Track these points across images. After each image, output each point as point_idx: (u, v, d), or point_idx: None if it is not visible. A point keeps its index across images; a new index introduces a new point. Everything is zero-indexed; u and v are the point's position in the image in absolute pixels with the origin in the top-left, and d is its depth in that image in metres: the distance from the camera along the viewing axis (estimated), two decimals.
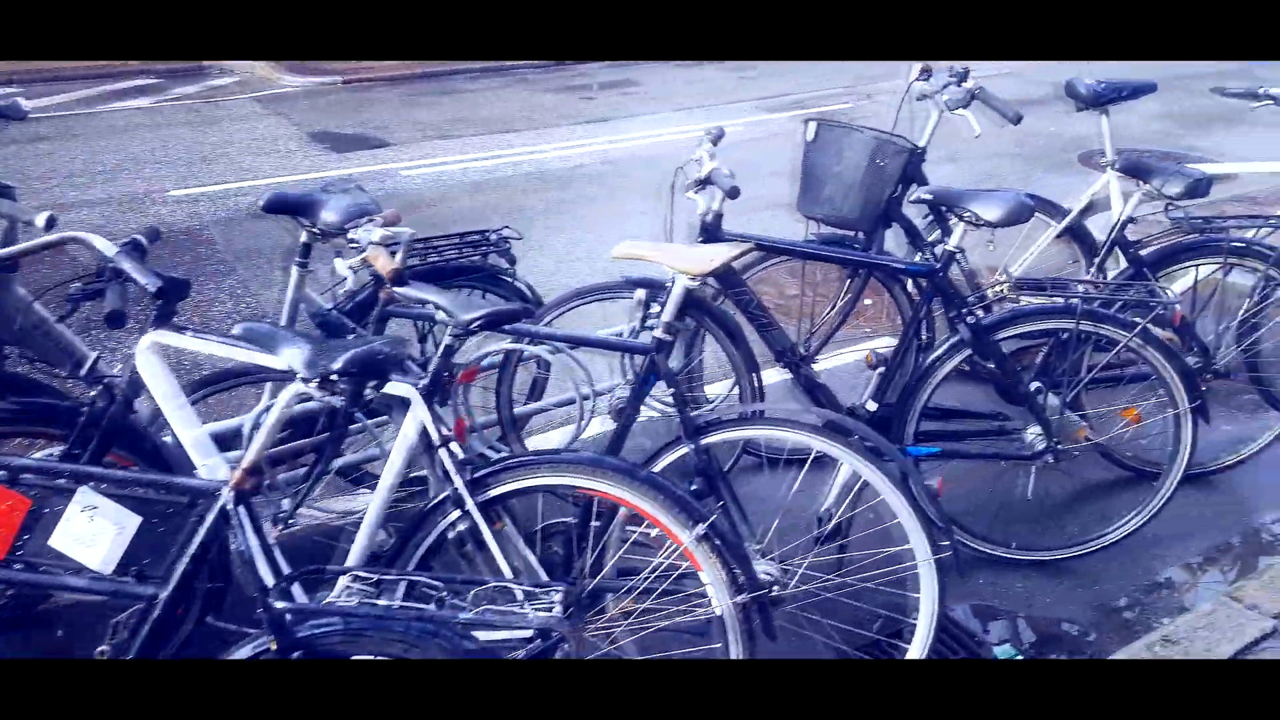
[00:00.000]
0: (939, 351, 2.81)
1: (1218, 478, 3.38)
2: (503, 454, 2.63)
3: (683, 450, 2.27)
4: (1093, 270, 3.25)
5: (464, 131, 8.11)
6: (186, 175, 6.88)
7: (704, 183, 2.57)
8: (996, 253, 4.04)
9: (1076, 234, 3.78)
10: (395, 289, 2.06)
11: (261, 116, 8.66)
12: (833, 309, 3.27)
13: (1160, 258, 3.17)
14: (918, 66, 3.20)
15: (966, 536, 2.93)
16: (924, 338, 3.24)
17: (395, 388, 2.04)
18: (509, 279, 3.12)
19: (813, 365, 3.27)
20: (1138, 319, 2.66)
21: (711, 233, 2.78)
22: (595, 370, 2.84)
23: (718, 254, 2.21)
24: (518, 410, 3.18)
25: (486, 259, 3.06)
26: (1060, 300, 2.69)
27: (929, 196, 2.70)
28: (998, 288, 2.69)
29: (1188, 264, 3.19)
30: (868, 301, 3.93)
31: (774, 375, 3.35)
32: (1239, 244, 3.15)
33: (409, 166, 7.13)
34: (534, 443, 3.48)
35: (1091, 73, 3.78)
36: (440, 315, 2.02)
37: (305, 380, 1.66)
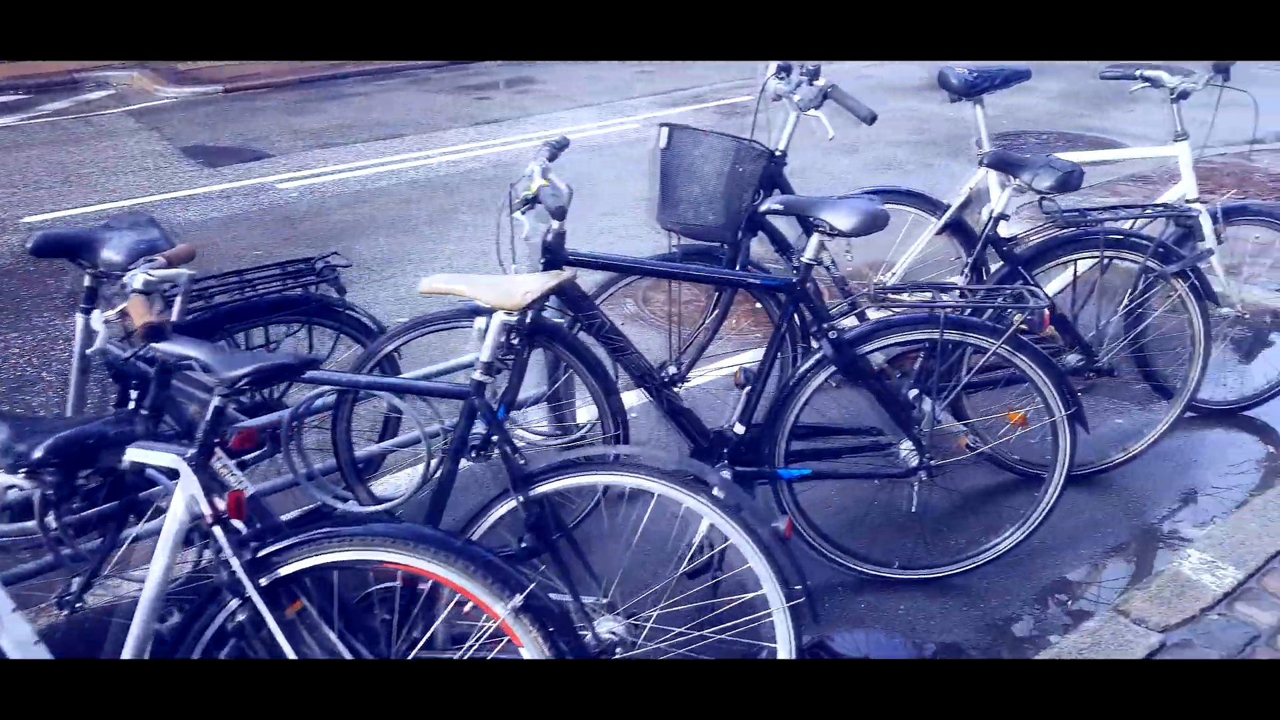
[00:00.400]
0: (803, 369, 2.63)
1: (1110, 476, 3.26)
2: (289, 536, 2.35)
3: (510, 504, 2.04)
4: (966, 270, 3.09)
5: (349, 138, 7.74)
6: (45, 199, 6.42)
7: (532, 201, 2.33)
8: (882, 251, 3.91)
9: (958, 229, 3.64)
10: (153, 345, 1.78)
11: (133, 131, 8.17)
12: (701, 326, 3.06)
13: (1036, 254, 3.02)
14: (773, 65, 3.01)
15: (845, 557, 2.76)
16: (797, 351, 3.06)
17: (159, 458, 1.77)
18: (340, 310, 2.85)
19: (683, 385, 3.08)
20: (1008, 324, 2.51)
21: (553, 255, 2.54)
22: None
23: (532, 286, 1.98)
24: (361, 452, 2.92)
25: (313, 290, 2.79)
26: (924, 310, 2.52)
27: (778, 206, 2.50)
28: (862, 299, 2.52)
29: (1064, 259, 3.05)
30: (758, 306, 3.75)
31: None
32: (1115, 236, 3.02)
33: (286, 179, 6.76)
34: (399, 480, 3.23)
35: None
36: (204, 374, 1.76)
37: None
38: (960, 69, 3.49)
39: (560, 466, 2.04)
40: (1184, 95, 3.45)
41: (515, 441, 2.08)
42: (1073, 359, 3.14)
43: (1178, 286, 3.08)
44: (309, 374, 2.11)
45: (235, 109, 8.88)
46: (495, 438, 2.03)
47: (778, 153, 2.93)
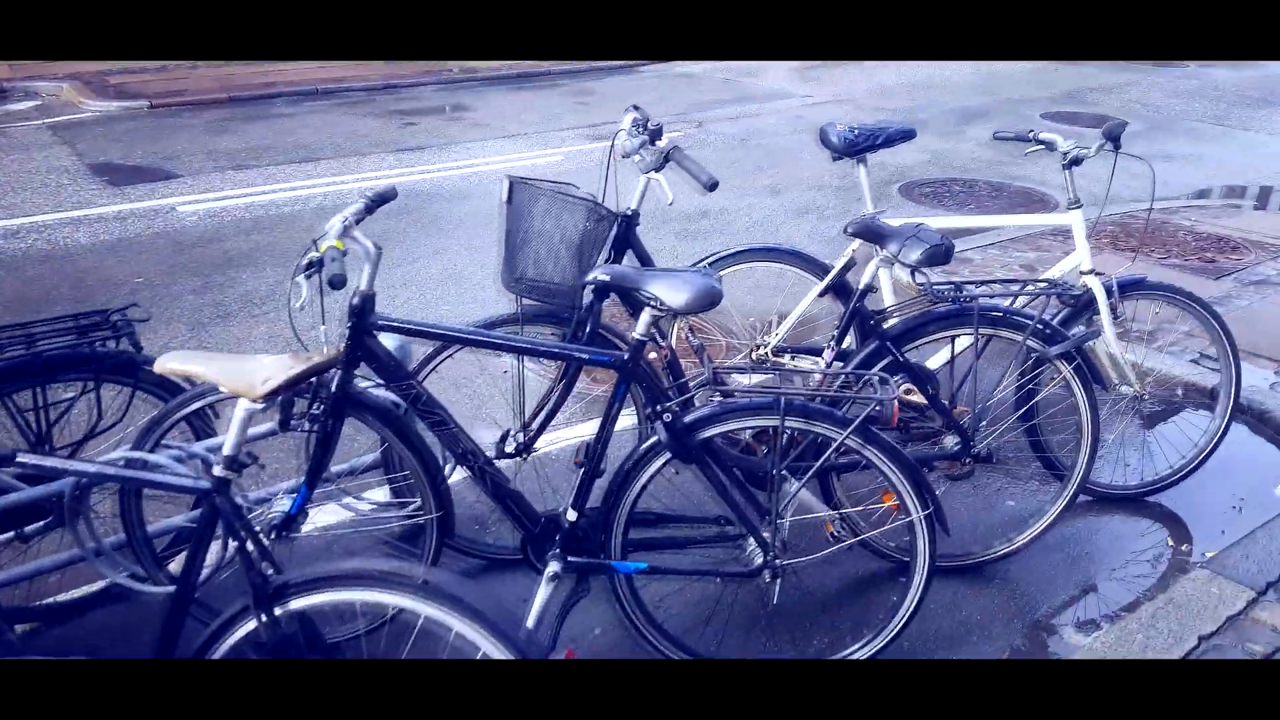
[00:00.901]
0: (639, 452, 2.39)
1: (996, 568, 3.05)
2: None
3: (250, 624, 1.77)
4: (831, 344, 2.88)
5: (263, 161, 7.44)
6: None
7: (318, 265, 2.08)
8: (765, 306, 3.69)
9: (841, 292, 3.43)
10: None
11: (47, 145, 7.82)
12: (547, 397, 2.81)
13: (905, 330, 2.81)
14: (628, 118, 2.78)
15: (685, 658, 2.52)
16: (645, 429, 2.83)
17: None
18: (137, 366, 2.57)
19: (527, 456, 2.83)
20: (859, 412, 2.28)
21: (359, 320, 2.29)
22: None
23: (274, 373, 1.72)
24: (156, 527, 2.64)
25: (102, 345, 2.52)
26: (767, 395, 2.29)
27: (605, 278, 2.26)
28: (705, 382, 2.29)
29: (937, 335, 2.85)
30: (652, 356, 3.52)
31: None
32: (993, 313, 2.82)
33: (189, 202, 6.45)
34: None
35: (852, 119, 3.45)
36: None
37: None
38: (841, 127, 3.30)
39: (315, 581, 1.77)
40: (1076, 162, 3.27)
41: (265, 543, 1.81)
42: (950, 442, 2.93)
43: (1062, 369, 2.89)
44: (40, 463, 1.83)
45: (157, 125, 8.56)
46: (237, 542, 1.76)
47: (625, 214, 2.69)
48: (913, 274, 2.76)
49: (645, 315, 2.27)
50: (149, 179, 6.94)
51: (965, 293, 2.77)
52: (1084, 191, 3.42)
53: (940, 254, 2.66)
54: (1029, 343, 2.85)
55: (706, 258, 3.47)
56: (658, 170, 2.52)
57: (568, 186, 2.66)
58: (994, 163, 7.97)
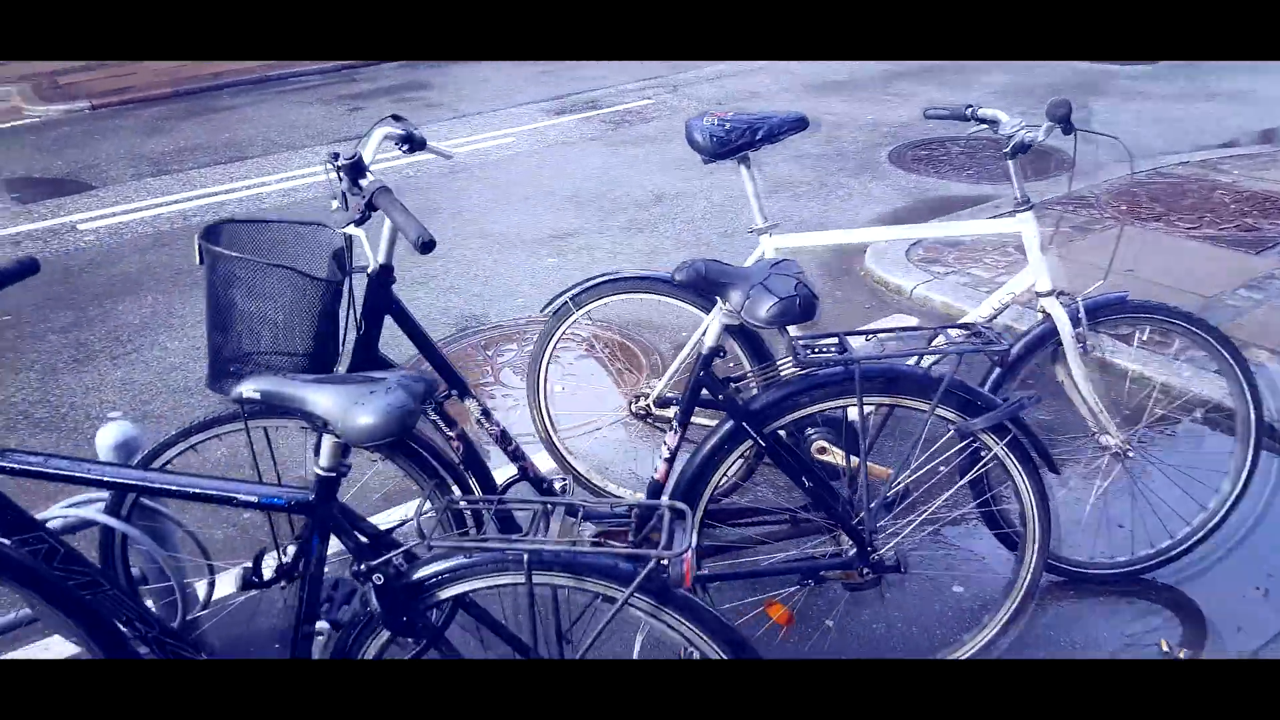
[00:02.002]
0: (355, 630, 1.71)
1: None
2: None
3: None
4: (674, 427, 2.13)
5: (187, 163, 6.84)
6: None
7: None
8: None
9: (742, 332, 2.70)
10: None
11: None
12: None
13: (770, 405, 2.06)
14: (375, 135, 2.03)
15: None
16: None
17: None
18: None
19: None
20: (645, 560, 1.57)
21: None
22: None
23: None
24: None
25: None
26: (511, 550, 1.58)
27: (255, 395, 1.56)
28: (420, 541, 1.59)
29: (814, 407, 2.09)
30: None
31: None
32: (886, 377, 2.05)
33: (92, 219, 5.87)
34: None
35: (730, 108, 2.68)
36: None
37: None
38: (709, 121, 2.52)
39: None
40: (1023, 148, 2.46)
41: None
42: (847, 548, 2.18)
43: (990, 445, 2.12)
44: None
45: (92, 129, 8.00)
46: None
47: (372, 269, 1.98)
48: (778, 331, 2.02)
49: (327, 444, 1.57)
50: (61, 193, 6.38)
51: (848, 352, 2.01)
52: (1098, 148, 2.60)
53: (795, 308, 1.91)
54: (941, 414, 2.08)
55: (564, 292, 2.76)
56: (358, 224, 1.79)
57: (297, 230, 1.96)
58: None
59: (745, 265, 2.10)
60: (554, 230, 5.37)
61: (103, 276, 5.03)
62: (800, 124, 2.56)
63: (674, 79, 8.53)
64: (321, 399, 1.52)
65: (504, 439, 2.17)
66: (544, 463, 3.24)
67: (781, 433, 2.22)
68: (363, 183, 1.74)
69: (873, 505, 2.13)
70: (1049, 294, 2.49)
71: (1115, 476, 2.74)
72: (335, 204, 1.74)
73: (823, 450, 2.56)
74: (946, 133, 6.67)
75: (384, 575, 1.64)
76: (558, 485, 2.39)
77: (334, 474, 1.60)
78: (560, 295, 2.76)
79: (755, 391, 2.09)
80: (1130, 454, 2.58)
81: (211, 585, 2.37)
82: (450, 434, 2.13)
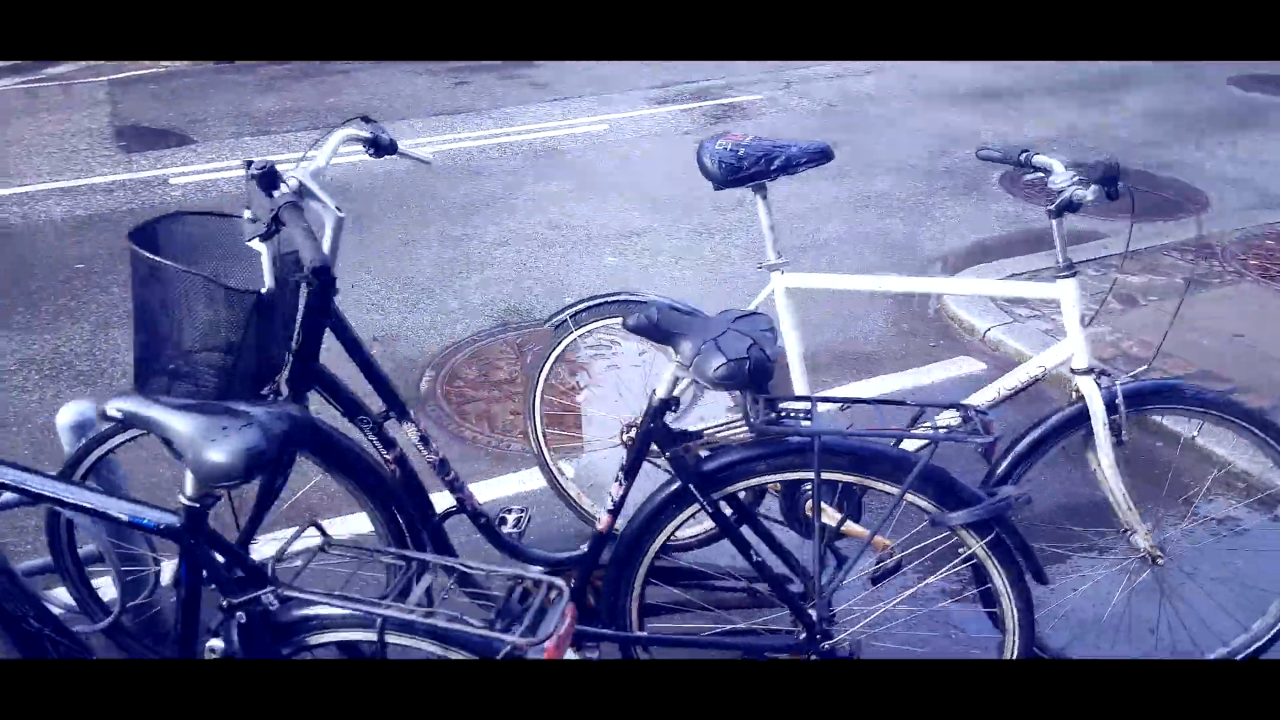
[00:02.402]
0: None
1: None
2: None
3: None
4: (619, 478, 1.95)
5: (287, 125, 6.98)
6: None
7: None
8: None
9: None
10: None
11: (92, 105, 7.65)
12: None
13: (722, 469, 1.86)
14: (334, 137, 1.90)
15: None
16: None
17: None
18: None
19: None
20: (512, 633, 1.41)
21: None
22: None
23: None
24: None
25: None
26: (362, 612, 1.45)
27: (117, 414, 1.46)
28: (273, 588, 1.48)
29: (766, 478, 1.88)
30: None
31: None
32: (851, 454, 1.83)
33: (185, 173, 6.05)
34: None
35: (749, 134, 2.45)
36: None
37: None
38: (721, 145, 2.31)
39: None
40: (1070, 207, 2.16)
41: None
42: (798, 630, 1.97)
43: (970, 543, 1.87)
44: None
45: (208, 83, 8.26)
46: None
47: (307, 273, 1.86)
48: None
49: (188, 480, 1.47)
50: (163, 145, 6.61)
51: (811, 424, 1.79)
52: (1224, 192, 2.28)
53: (743, 373, 1.70)
54: (915, 502, 1.85)
55: (568, 306, 2.62)
56: (263, 239, 1.66)
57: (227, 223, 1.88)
58: (1149, 143, 6.44)
59: (732, 310, 1.90)
60: (622, 227, 5.22)
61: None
62: (822, 156, 2.33)
63: (789, 74, 8.21)
64: (180, 427, 1.42)
65: (442, 468, 2.05)
66: (499, 490, 3.14)
67: (743, 495, 2.03)
68: (275, 194, 1.63)
69: (825, 590, 1.91)
70: (1085, 372, 2.20)
71: (1144, 579, 2.42)
72: (247, 214, 1.65)
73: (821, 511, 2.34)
74: (1071, 157, 6.18)
75: (247, 615, 1.54)
76: (510, 518, 2.26)
77: (198, 505, 1.50)
78: (563, 310, 2.62)
79: (708, 452, 1.90)
80: (1161, 560, 2.26)
81: (156, 576, 2.35)
82: (387, 456, 2.02)
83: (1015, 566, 1.88)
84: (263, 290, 1.61)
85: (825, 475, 1.84)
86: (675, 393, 1.88)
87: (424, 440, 2.03)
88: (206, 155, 6.37)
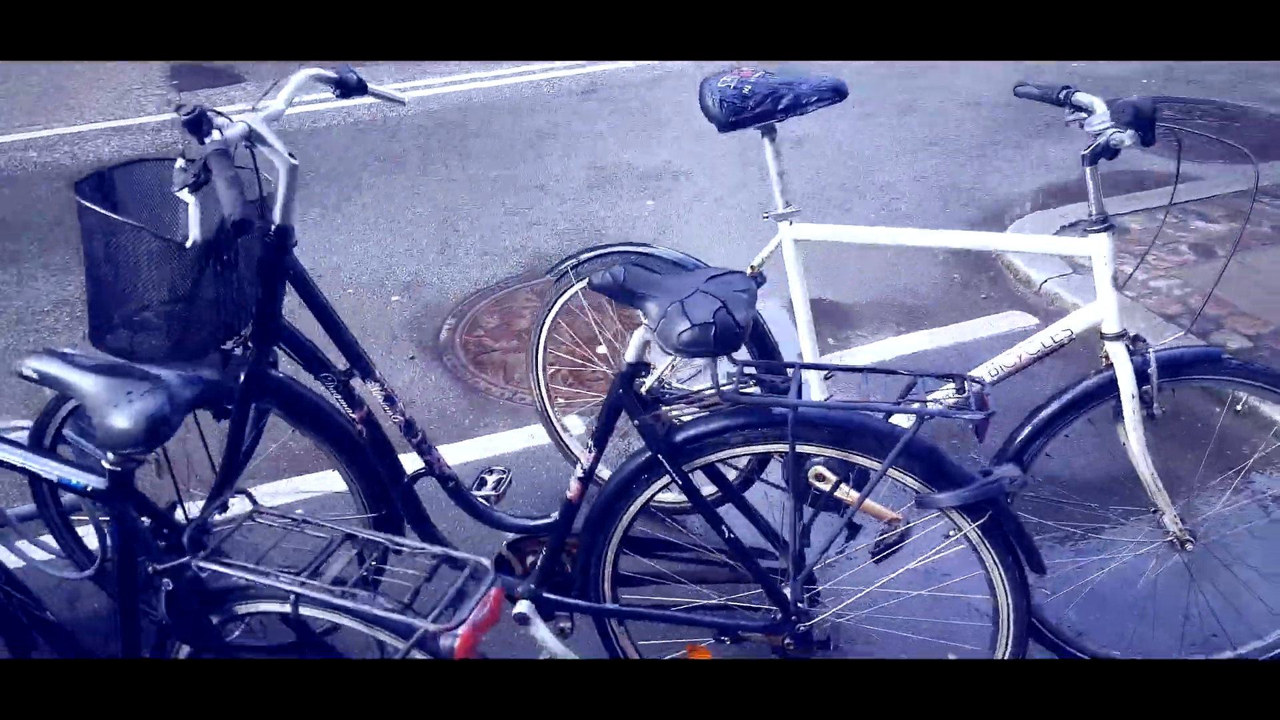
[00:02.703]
0: (158, 632, 1.58)
1: None
2: None
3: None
4: (589, 446, 1.83)
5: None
6: (33, 115, 6.06)
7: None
8: None
9: None
10: None
11: None
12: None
13: (693, 439, 1.73)
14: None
15: None
16: None
17: None
18: None
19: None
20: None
21: None
22: None
23: None
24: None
25: None
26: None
27: (33, 374, 1.39)
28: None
29: (741, 450, 1.75)
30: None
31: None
32: (830, 426, 1.67)
33: (231, 111, 6.04)
34: None
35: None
36: None
37: None
38: (724, 82, 2.13)
39: None
40: (1107, 152, 1.93)
41: None
42: (774, 611, 1.84)
43: (960, 524, 1.71)
44: None
45: None
46: None
47: (267, 228, 1.77)
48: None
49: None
50: (215, 83, 6.61)
51: (791, 396, 1.64)
52: None
53: (709, 339, 1.56)
54: (897, 476, 1.69)
55: (570, 256, 2.51)
56: (192, 189, 1.55)
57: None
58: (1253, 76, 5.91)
59: (717, 267, 1.76)
60: (667, 168, 5.03)
61: None
62: (834, 94, 2.13)
63: None
64: (87, 389, 1.36)
65: (408, 429, 1.97)
66: (507, 445, 3.05)
67: (743, 463, 1.91)
68: (208, 141, 1.54)
69: (803, 569, 1.78)
70: (1116, 337, 1.98)
71: (1172, 563, 2.22)
72: (180, 162, 1.56)
73: (820, 478, 2.19)
74: (1188, 91, 5.74)
75: (174, 582, 1.49)
76: (490, 479, 2.18)
77: (120, 469, 1.44)
78: (565, 260, 2.51)
79: (682, 420, 1.77)
80: (1190, 545, 2.06)
81: None
82: (353, 415, 1.95)
83: (1010, 555, 1.72)
84: (187, 244, 1.53)
85: (804, 449, 1.71)
86: (646, 357, 1.75)
87: (389, 400, 1.94)
88: (253, 94, 6.36)
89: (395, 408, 1.95)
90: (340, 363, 1.93)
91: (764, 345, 2.40)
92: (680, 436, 1.75)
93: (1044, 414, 2.05)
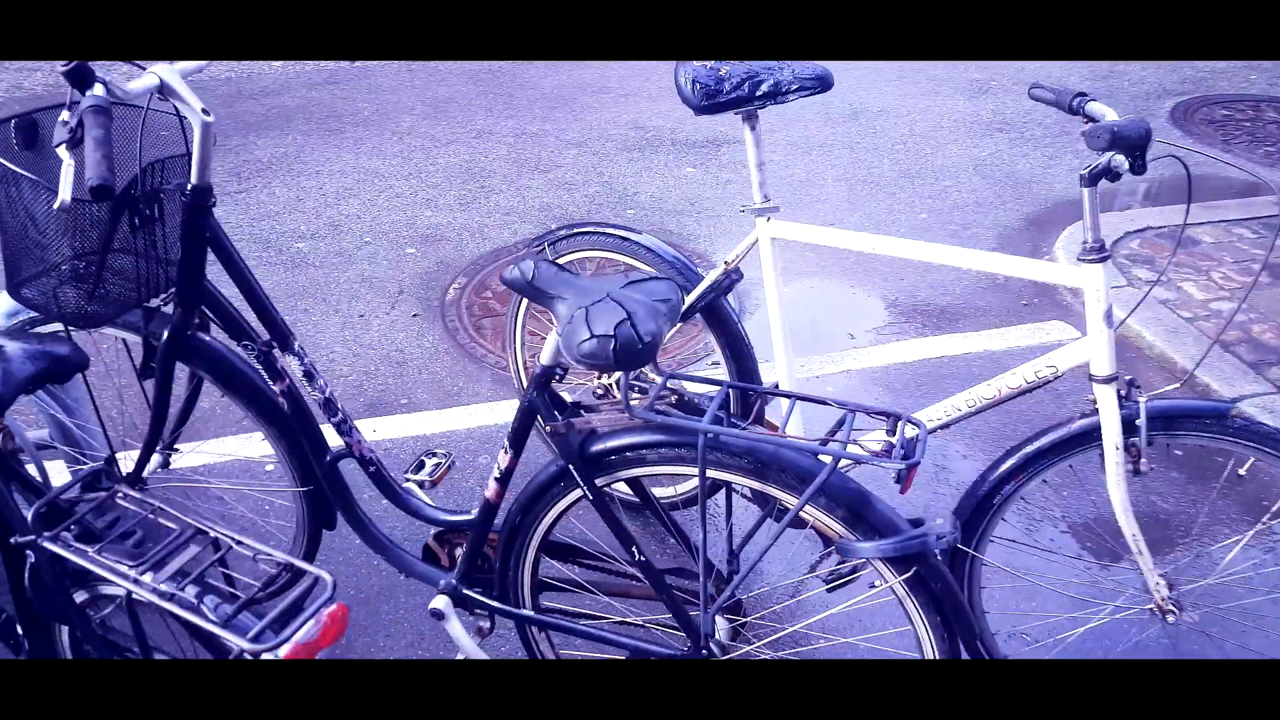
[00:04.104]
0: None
1: None
2: None
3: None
4: (505, 447, 1.71)
5: None
6: None
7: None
8: None
9: (712, 316, 2.22)
10: None
11: None
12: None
13: (606, 454, 1.60)
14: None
15: None
16: None
17: None
18: None
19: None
20: None
21: None
22: None
23: None
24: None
25: None
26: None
27: None
28: None
29: (657, 470, 1.61)
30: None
31: None
32: (745, 456, 1.52)
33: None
34: None
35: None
36: None
37: None
38: (695, 69, 1.95)
39: None
40: (1108, 174, 1.70)
41: None
42: (682, 638, 1.72)
43: (884, 574, 1.55)
44: None
45: None
46: None
47: (184, 188, 1.67)
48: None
49: None
50: None
51: (706, 418, 1.50)
52: None
53: (607, 353, 1.42)
54: (817, 517, 1.54)
55: (548, 232, 2.39)
56: (70, 146, 1.44)
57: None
58: None
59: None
60: (713, 134, 4.83)
61: (263, 107, 5.13)
62: (818, 84, 1.93)
63: None
64: None
65: (328, 407, 1.88)
66: (494, 417, 2.93)
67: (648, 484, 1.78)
68: (86, 94, 1.44)
69: (715, 605, 1.65)
70: (1106, 380, 1.78)
71: (1153, 633, 2.01)
72: (64, 115, 1.47)
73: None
74: (1261, 89, 5.27)
75: (36, 555, 1.44)
76: (429, 463, 2.09)
77: None
78: (543, 236, 2.39)
79: (598, 430, 1.64)
80: (1172, 617, 1.86)
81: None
82: (275, 387, 1.87)
83: (939, 615, 1.55)
84: (54, 204, 1.45)
85: (720, 475, 1.57)
86: (562, 360, 1.62)
87: (308, 375, 1.86)
88: None
89: (314, 383, 1.87)
90: (264, 333, 1.85)
91: (739, 351, 2.24)
92: (595, 448, 1.63)
93: (1019, 455, 1.86)
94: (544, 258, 2.36)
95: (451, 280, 3.64)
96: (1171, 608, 1.86)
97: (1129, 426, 1.76)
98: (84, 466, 2.20)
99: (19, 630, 1.69)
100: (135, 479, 2.06)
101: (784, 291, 2.13)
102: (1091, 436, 1.81)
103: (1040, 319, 3.52)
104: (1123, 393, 1.78)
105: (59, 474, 2.47)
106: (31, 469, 2.17)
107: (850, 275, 3.72)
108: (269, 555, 1.32)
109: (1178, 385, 1.81)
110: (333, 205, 4.15)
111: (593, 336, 1.42)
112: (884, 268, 3.77)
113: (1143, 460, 1.78)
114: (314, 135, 4.80)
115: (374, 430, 2.87)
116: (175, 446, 2.17)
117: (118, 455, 1.86)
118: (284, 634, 1.22)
